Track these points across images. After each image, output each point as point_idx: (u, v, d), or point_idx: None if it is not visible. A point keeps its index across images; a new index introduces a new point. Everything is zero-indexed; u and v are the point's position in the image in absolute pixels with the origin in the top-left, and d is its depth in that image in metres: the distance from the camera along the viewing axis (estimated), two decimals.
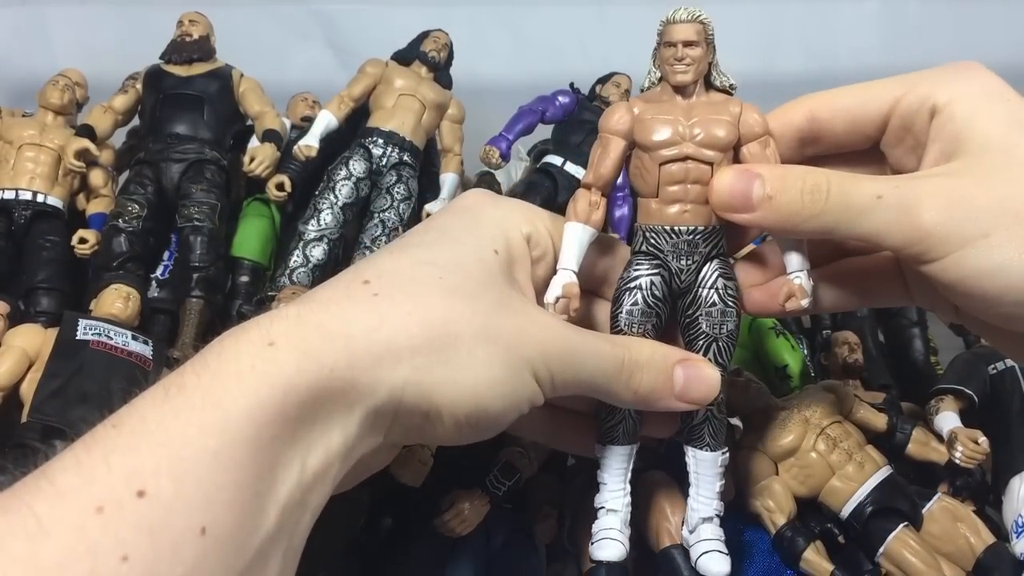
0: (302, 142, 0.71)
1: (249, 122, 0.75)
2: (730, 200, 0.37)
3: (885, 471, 0.53)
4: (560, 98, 0.75)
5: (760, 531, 0.53)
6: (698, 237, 0.39)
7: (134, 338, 0.57)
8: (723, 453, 0.42)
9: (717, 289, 0.39)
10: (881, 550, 0.51)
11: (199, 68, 0.73)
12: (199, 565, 0.24)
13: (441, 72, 0.77)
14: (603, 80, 0.77)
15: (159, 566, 0.23)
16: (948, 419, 0.58)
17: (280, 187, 0.70)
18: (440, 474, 0.52)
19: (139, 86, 0.73)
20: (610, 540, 0.41)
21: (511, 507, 0.55)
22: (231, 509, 0.25)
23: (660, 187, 0.38)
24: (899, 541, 0.50)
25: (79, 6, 1.06)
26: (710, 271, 0.39)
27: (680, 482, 0.54)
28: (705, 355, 0.40)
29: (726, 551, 0.41)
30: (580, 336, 0.35)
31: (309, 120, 0.76)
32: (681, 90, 0.39)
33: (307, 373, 0.28)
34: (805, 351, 0.69)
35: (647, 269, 0.39)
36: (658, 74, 0.40)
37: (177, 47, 0.73)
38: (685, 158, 0.38)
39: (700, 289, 0.39)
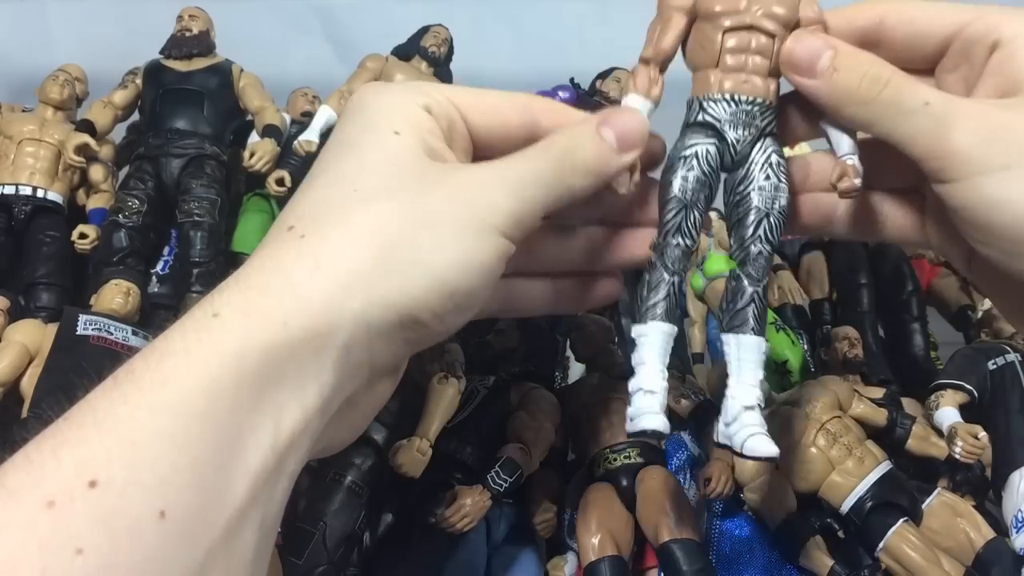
0: (302, 137, 0.71)
1: (249, 117, 0.74)
2: (798, 59, 0.37)
3: (885, 466, 0.53)
4: (560, 93, 0.75)
5: (760, 527, 0.53)
6: (756, 108, 0.39)
7: (134, 333, 0.58)
8: (765, 341, 0.40)
9: (771, 164, 0.39)
10: (881, 545, 0.51)
11: (199, 63, 0.73)
12: (160, 549, 0.24)
13: (441, 67, 0.77)
14: (603, 75, 0.77)
15: (116, 555, 0.23)
16: (948, 414, 0.58)
17: (280, 182, 0.70)
18: (440, 469, 0.52)
19: (139, 81, 0.73)
20: (652, 414, 0.36)
21: (511, 502, 0.55)
22: (191, 488, 0.25)
23: (721, 56, 0.38)
24: (899, 536, 0.50)
25: (79, 1, 1.06)
26: (764, 147, 0.39)
27: (679, 479, 0.54)
28: (755, 232, 0.39)
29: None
30: (511, 166, 0.34)
31: (309, 115, 0.76)
32: None
33: (259, 334, 0.27)
34: (805, 346, 0.69)
35: (703, 138, 0.39)
36: None
37: (177, 42, 0.73)
38: (748, 27, 0.38)
39: (753, 165, 0.39)
